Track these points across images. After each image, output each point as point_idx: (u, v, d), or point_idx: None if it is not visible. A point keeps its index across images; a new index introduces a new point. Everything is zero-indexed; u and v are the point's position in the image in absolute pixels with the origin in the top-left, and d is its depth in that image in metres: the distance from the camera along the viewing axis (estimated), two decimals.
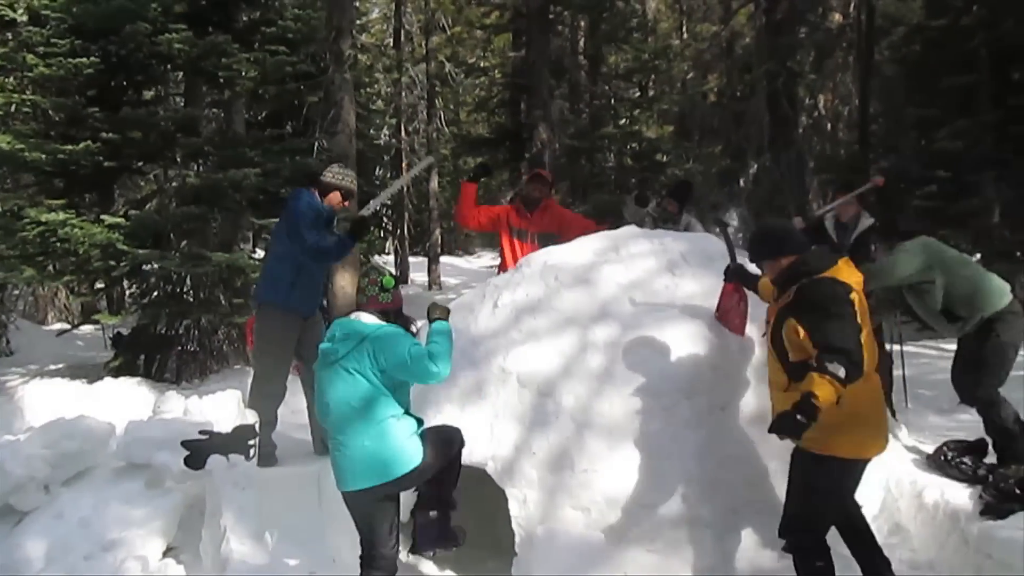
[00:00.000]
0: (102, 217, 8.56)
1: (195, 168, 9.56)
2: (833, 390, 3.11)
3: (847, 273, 3.42)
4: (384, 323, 3.59)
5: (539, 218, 6.10)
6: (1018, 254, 10.06)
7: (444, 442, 3.72)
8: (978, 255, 9.93)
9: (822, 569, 3.41)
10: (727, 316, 4.28)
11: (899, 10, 14.60)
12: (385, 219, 18.45)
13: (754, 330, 4.28)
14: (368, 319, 3.60)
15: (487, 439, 4.14)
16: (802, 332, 3.30)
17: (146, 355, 8.99)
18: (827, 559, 3.42)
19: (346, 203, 5.38)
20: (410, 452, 3.53)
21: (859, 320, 3.30)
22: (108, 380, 7.71)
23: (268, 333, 5.39)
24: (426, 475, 3.63)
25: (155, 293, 9.19)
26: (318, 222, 5.12)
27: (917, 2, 13.95)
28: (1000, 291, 4.38)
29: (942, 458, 4.34)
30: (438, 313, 3.69)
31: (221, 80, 9.60)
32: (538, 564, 3.87)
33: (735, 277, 4.13)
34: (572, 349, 4.37)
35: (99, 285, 10.14)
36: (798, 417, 3.13)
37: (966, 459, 4.27)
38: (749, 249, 3.73)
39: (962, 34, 10.20)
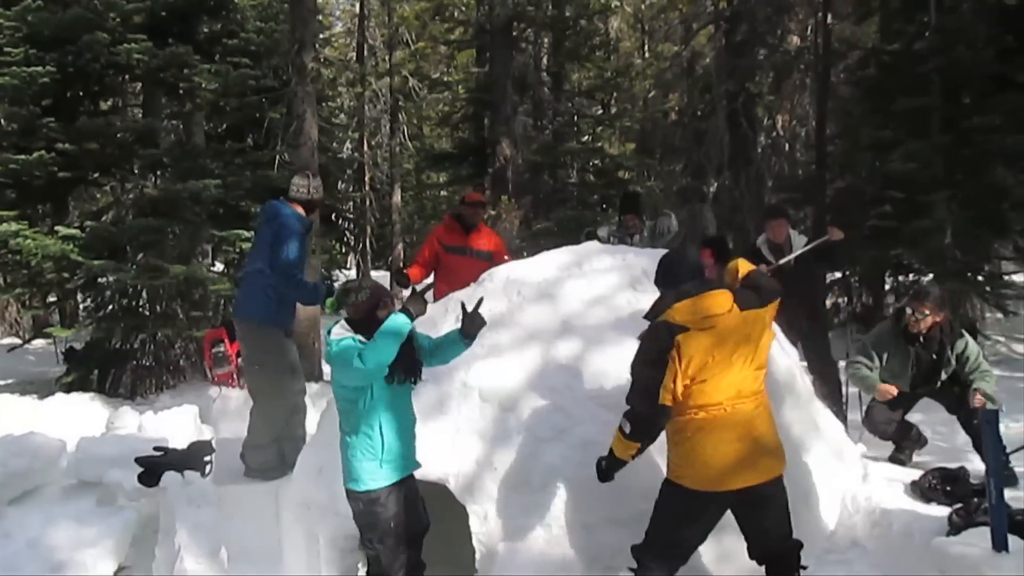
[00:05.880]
0: (56, 228, 8.37)
1: (153, 180, 9.41)
2: (622, 445, 3.43)
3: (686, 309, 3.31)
4: (341, 338, 3.49)
5: (475, 237, 6.44)
6: (969, 274, 10.29)
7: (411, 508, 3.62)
8: (931, 275, 10.16)
9: None
10: None
11: (855, 34, 14.92)
12: (347, 233, 18.35)
13: None
14: (336, 333, 3.54)
15: (448, 455, 4.11)
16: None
17: (100, 370, 8.77)
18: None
19: (311, 215, 5.39)
20: (359, 472, 3.51)
21: (676, 362, 3.25)
22: (60, 396, 7.53)
23: (265, 349, 5.20)
24: (376, 515, 3.51)
25: (110, 306, 8.98)
26: (303, 236, 5.14)
27: (872, 27, 14.27)
28: None
29: (926, 485, 4.44)
30: (409, 305, 3.52)
31: (181, 91, 9.48)
32: None
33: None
34: (534, 364, 4.36)
35: (52, 298, 9.90)
36: (601, 464, 3.55)
37: (948, 486, 4.36)
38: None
39: (915, 59, 10.43)
